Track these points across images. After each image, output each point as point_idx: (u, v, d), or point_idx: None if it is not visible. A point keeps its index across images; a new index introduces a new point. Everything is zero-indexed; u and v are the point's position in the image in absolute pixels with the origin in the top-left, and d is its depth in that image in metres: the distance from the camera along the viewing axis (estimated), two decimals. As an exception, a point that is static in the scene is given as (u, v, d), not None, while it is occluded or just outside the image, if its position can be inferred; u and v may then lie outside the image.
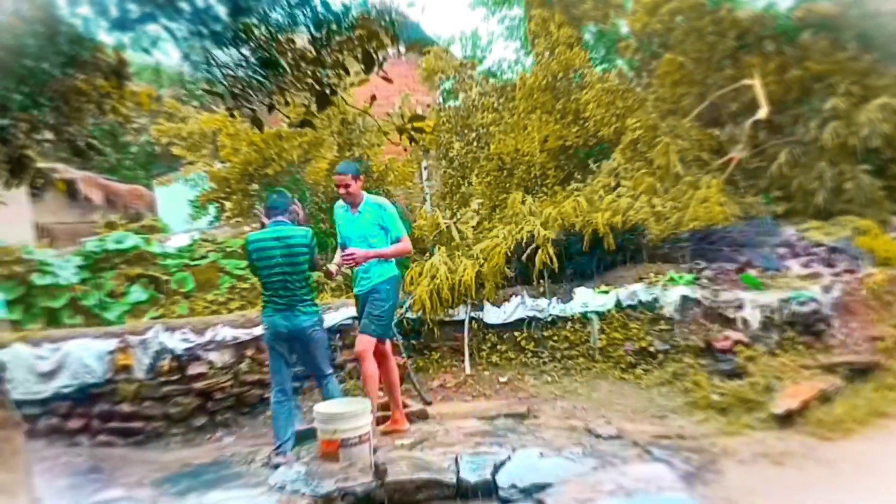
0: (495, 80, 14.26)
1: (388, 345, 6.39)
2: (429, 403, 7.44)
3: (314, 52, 3.19)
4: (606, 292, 8.33)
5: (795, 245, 8.97)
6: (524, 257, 8.66)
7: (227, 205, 12.55)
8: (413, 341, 8.53)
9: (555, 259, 8.42)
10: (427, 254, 9.75)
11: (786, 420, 6.16)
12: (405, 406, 6.93)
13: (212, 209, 12.92)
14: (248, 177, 11.82)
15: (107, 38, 3.97)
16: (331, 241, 11.60)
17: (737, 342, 7.48)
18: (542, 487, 4.73)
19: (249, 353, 7.56)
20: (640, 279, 8.48)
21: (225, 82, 3.27)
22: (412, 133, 3.67)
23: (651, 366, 7.83)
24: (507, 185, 11.88)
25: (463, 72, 14.13)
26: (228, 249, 10.99)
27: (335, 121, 11.64)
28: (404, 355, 8.04)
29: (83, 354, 7.21)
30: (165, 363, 7.28)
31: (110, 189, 15.28)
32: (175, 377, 7.28)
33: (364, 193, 6.21)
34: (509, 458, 5.27)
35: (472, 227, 10.57)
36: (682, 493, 4.65)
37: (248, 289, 10.01)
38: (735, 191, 10.22)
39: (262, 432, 7.11)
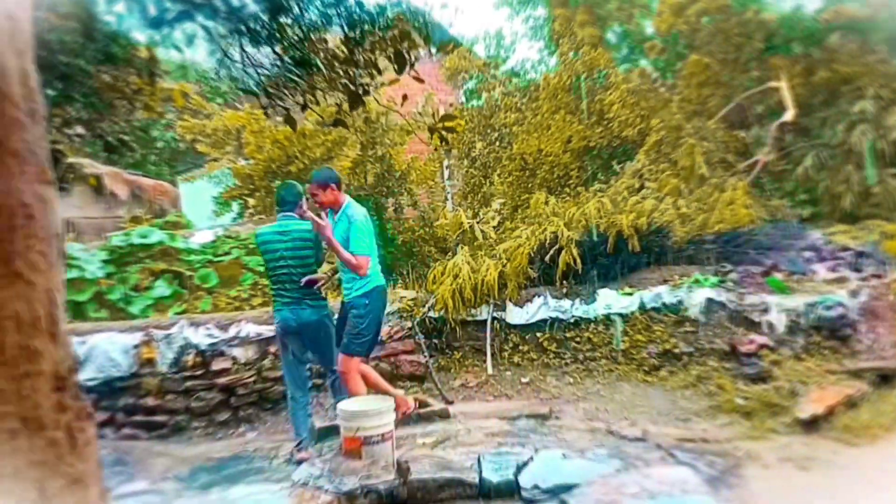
0: (518, 79, 14.22)
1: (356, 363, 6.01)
2: (450, 403, 7.44)
3: (347, 52, 3.20)
4: (630, 294, 8.28)
5: (822, 249, 8.87)
6: (547, 258, 8.64)
7: (251, 201, 12.63)
8: (435, 340, 8.51)
9: (578, 260, 8.39)
10: (450, 253, 9.76)
11: (811, 425, 6.10)
12: (426, 405, 6.94)
13: (235, 206, 13.00)
14: (272, 174, 11.89)
15: (139, 35, 4.02)
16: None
17: (762, 346, 7.42)
18: (566, 488, 4.72)
19: (272, 349, 7.58)
20: (665, 281, 8.43)
21: (260, 81, 3.29)
22: (443, 132, 3.67)
23: (675, 368, 7.77)
24: (530, 185, 11.85)
25: (486, 71, 14.11)
26: (251, 246, 11.04)
27: (358, 119, 11.67)
28: (426, 354, 8.06)
29: (109, 348, 7.29)
30: (189, 358, 7.36)
31: (136, 184, 15.38)
32: (199, 372, 7.35)
33: (346, 199, 5.96)
34: (532, 458, 5.26)
35: (494, 227, 10.56)
36: (707, 496, 4.61)
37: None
38: (761, 193, 10.13)
39: (284, 428, 7.14)
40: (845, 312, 7.55)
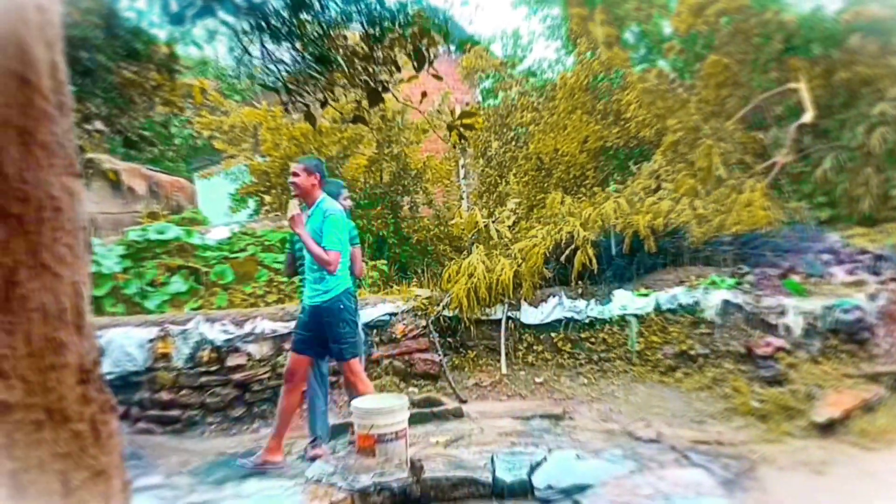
0: (535, 79, 14.20)
1: (306, 368, 5.86)
2: (464, 402, 7.44)
3: (367, 49, 3.20)
4: (646, 295, 8.26)
5: (840, 252, 8.81)
6: (563, 258, 8.63)
7: (267, 198, 12.69)
8: (449, 339, 8.51)
9: (594, 260, 8.37)
10: (465, 252, 9.76)
11: (827, 429, 6.07)
12: (440, 404, 6.95)
13: (251, 202, 13.06)
14: (288, 171, 11.91)
15: (159, 32, 4.03)
16: (367, 236, 11.71)
17: (778, 349, 7.38)
18: (580, 489, 4.71)
19: (287, 346, 7.61)
20: (681, 282, 8.40)
21: (280, 77, 3.30)
22: (461, 130, 3.67)
23: (690, 370, 7.74)
24: (546, 184, 11.84)
25: (503, 71, 14.11)
26: (267, 243, 11.08)
27: (374, 117, 11.70)
28: (440, 353, 8.06)
29: (125, 342, 7.35)
30: (205, 354, 7.40)
31: (153, 180, 15.45)
32: (214, 368, 7.40)
33: (322, 195, 5.69)
34: (545, 458, 5.25)
35: (509, 226, 10.55)
36: (721, 499, 4.60)
37: (286, 282, 10.11)
38: (779, 195, 10.07)
39: (298, 425, 7.15)
40: (863, 316, 7.49)
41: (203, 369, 7.37)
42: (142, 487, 5.48)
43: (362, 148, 12.27)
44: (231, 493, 5.11)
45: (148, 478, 5.75)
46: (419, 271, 10.59)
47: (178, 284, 9.59)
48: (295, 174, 5.58)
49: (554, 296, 8.51)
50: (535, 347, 8.43)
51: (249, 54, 3.15)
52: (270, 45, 3.13)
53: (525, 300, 8.52)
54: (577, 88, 11.87)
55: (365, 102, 3.48)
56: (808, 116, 10.18)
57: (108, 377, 7.21)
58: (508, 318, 8.50)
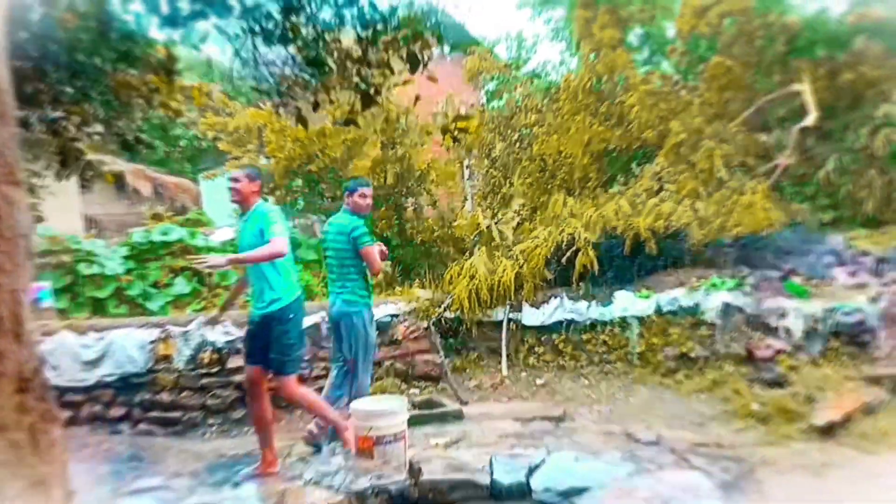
0: (539, 81, 14.18)
1: (262, 378, 5.55)
2: (465, 403, 7.44)
3: (360, 52, 3.21)
4: (647, 297, 8.25)
5: (842, 254, 8.80)
6: (564, 260, 8.62)
7: (271, 200, 12.68)
8: (450, 341, 8.51)
9: (595, 262, 8.36)
10: (468, 253, 9.76)
11: (827, 432, 6.06)
12: (440, 405, 6.96)
13: (255, 204, 13.04)
14: (292, 173, 11.95)
15: (158, 34, 4.05)
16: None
17: (779, 351, 7.38)
18: (578, 491, 4.72)
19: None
20: (682, 284, 8.39)
21: (271, 79, 3.31)
22: (455, 133, 3.68)
23: (691, 372, 7.73)
24: (549, 186, 11.80)
25: (507, 73, 14.10)
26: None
27: (378, 119, 11.69)
28: (441, 355, 8.07)
29: (126, 344, 7.38)
30: (206, 355, 7.41)
31: (158, 181, 15.50)
32: (215, 369, 7.41)
33: (259, 202, 5.47)
34: (544, 460, 5.25)
35: (513, 227, 10.54)
36: (720, 502, 4.60)
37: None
38: (781, 197, 10.04)
39: (299, 427, 7.17)
40: (864, 318, 7.48)
41: (204, 371, 7.40)
42: (142, 489, 5.51)
43: (366, 149, 12.26)
44: (230, 496, 5.11)
45: (147, 479, 5.78)
46: (421, 273, 10.58)
47: (181, 286, 9.64)
48: (236, 180, 5.34)
49: (555, 297, 8.50)
50: (536, 349, 8.43)
51: (241, 57, 3.16)
52: (263, 48, 3.15)
53: (526, 301, 8.52)
54: (579, 90, 11.83)
55: (358, 105, 3.50)
56: (811, 118, 10.14)
57: (110, 379, 7.29)
58: (510, 319, 8.50)
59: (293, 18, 3.15)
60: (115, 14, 3.65)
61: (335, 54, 3.26)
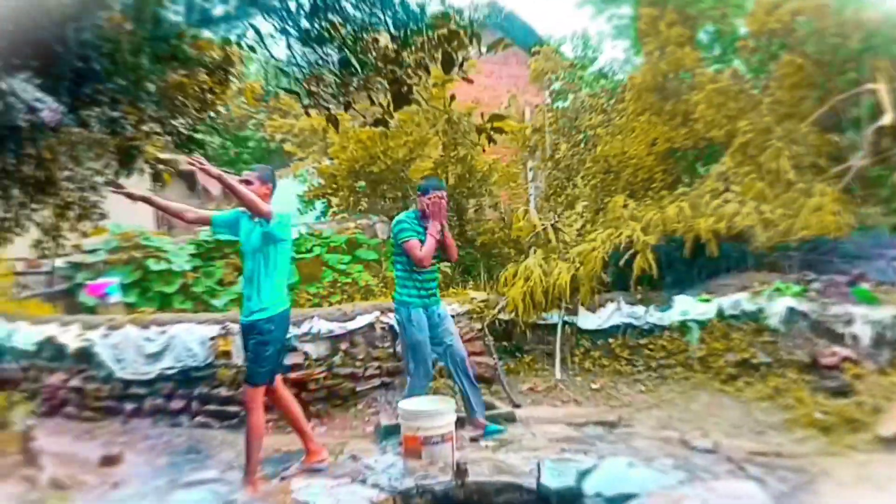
0: (606, 80, 14.03)
1: (276, 380, 5.60)
2: (517, 406, 7.38)
3: (393, 52, 3.20)
4: (708, 300, 8.05)
5: (915, 260, 8.43)
6: (622, 262, 8.48)
7: (334, 201, 12.86)
8: (504, 343, 8.47)
9: (654, 265, 8.20)
10: (523, 255, 9.70)
11: (893, 443, 5.80)
12: (493, 407, 6.93)
13: (319, 205, 13.24)
14: (355, 174, 12.07)
15: (210, 34, 4.11)
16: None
17: (845, 359, 7.09)
18: (625, 498, 4.62)
19: (343, 346, 7.72)
20: (745, 288, 8.15)
21: (301, 79, 3.33)
22: (490, 133, 3.64)
23: (752, 379, 7.51)
24: (613, 188, 11.63)
25: (572, 72, 13.99)
26: (332, 245, 11.24)
27: (440, 120, 11.72)
28: (495, 357, 8.03)
29: (187, 338, 7.59)
30: (263, 352, 7.52)
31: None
32: (271, 366, 7.51)
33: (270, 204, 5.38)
34: (595, 466, 5.16)
35: (577, 230, 10.43)
36: (772, 513, 4.46)
37: (350, 283, 10.23)
38: (852, 200, 9.67)
39: (352, 425, 7.26)
40: (937, 326, 7.15)
41: (261, 368, 7.52)
42: (197, 481, 5.65)
43: (428, 150, 12.30)
44: (279, 489, 5.18)
45: (204, 472, 5.92)
46: (475, 274, 10.56)
47: (244, 284, 9.82)
48: (249, 182, 5.32)
49: (612, 301, 8.37)
50: (591, 353, 8.31)
51: (273, 57, 3.19)
52: (298, 48, 3.16)
53: (582, 305, 8.41)
54: (644, 89, 11.63)
55: (391, 106, 3.49)
56: (887, 118, 9.73)
57: (170, 372, 7.51)
58: (565, 322, 8.40)
59: (330, 17, 3.16)
60: (165, 15, 3.70)
61: (372, 54, 3.25)
